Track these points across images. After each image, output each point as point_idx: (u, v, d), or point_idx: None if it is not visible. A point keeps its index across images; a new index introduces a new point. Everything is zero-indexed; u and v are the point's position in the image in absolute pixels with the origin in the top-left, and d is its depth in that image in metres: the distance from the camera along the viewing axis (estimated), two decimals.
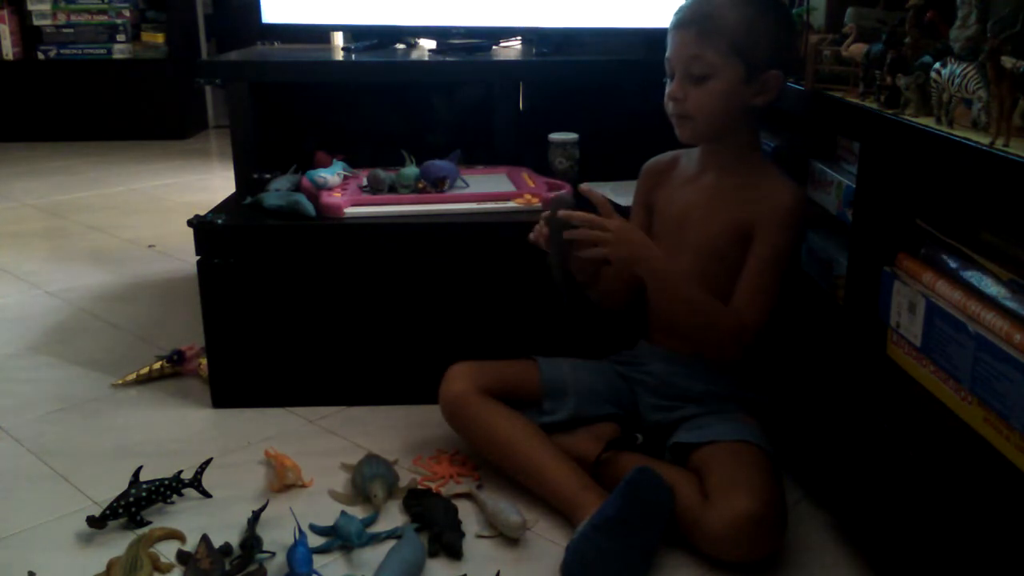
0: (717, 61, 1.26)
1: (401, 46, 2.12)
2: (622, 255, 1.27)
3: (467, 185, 1.70)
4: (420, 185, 1.66)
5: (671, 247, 1.37)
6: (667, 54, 1.32)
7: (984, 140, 0.87)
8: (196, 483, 1.34)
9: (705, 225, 1.35)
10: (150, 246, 2.68)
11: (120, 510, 1.25)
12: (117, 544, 1.22)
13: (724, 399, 1.34)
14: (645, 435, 1.35)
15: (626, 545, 1.13)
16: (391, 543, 1.21)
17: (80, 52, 4.41)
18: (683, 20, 1.29)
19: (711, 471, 1.21)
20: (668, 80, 1.33)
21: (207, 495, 1.34)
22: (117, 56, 4.43)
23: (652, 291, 1.33)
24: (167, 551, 1.21)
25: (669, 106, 1.33)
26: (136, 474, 1.30)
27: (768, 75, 1.27)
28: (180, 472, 1.34)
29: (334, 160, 1.76)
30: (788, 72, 1.32)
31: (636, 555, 1.15)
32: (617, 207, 1.67)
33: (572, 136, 1.84)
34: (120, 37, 4.42)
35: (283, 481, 1.36)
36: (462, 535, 1.23)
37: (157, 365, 1.75)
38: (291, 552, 1.16)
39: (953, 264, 1.03)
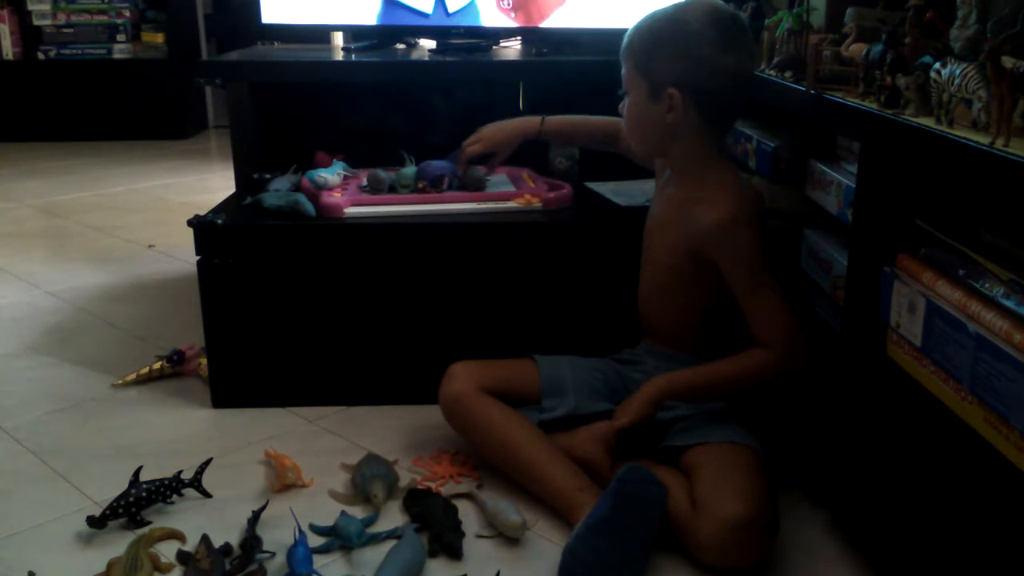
0: (629, 80, 1.36)
1: (401, 46, 2.12)
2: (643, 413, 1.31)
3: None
4: (420, 185, 1.66)
5: (644, 260, 1.45)
6: None
7: (984, 140, 0.87)
8: (196, 483, 1.34)
9: (661, 240, 1.40)
10: (150, 246, 2.68)
11: (120, 510, 1.25)
12: (117, 544, 1.22)
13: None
14: (640, 435, 1.35)
15: (622, 544, 1.13)
16: (391, 543, 1.21)
17: (80, 52, 4.42)
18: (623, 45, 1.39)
19: (700, 475, 1.21)
20: None
21: (207, 495, 1.34)
22: (117, 56, 4.43)
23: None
24: (167, 551, 1.21)
25: None
26: (136, 474, 1.30)
27: (668, 92, 1.30)
28: (180, 472, 1.34)
29: (334, 160, 1.76)
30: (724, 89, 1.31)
31: (633, 553, 1.14)
32: (616, 207, 1.68)
33: None
34: (120, 37, 4.43)
35: (283, 481, 1.36)
36: (462, 535, 1.23)
37: (157, 365, 1.75)
38: (291, 552, 1.16)
39: (953, 264, 1.03)
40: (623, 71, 1.37)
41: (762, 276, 1.28)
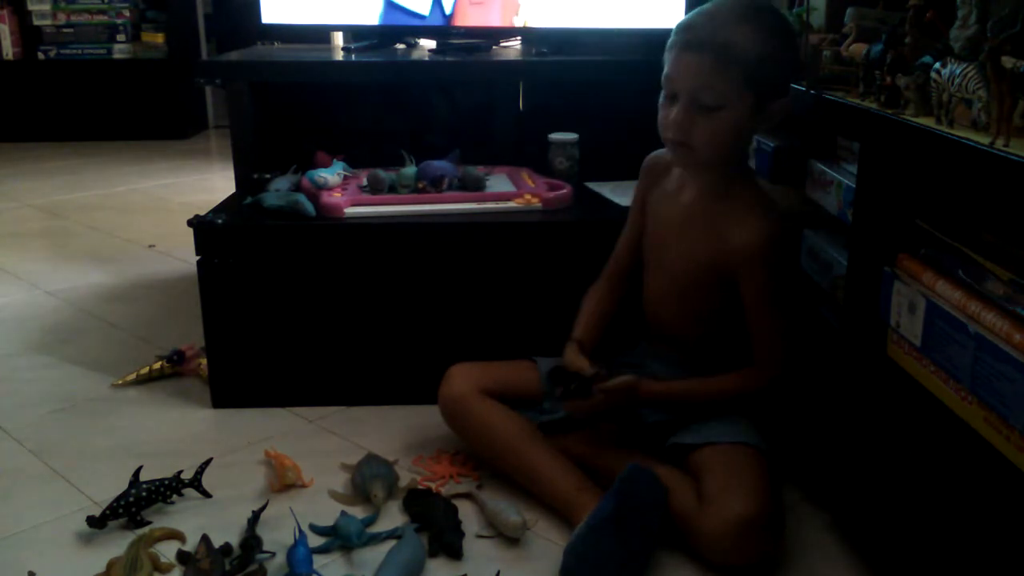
0: (730, 93, 1.19)
1: (401, 46, 2.12)
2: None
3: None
4: (420, 185, 1.66)
5: (654, 266, 1.39)
6: (668, 72, 1.23)
7: (984, 140, 0.87)
8: (196, 483, 1.34)
9: (681, 252, 1.33)
10: (150, 246, 2.68)
11: (120, 510, 1.25)
12: (117, 544, 1.22)
13: None
14: (643, 436, 1.34)
15: (623, 544, 1.13)
16: (391, 543, 1.21)
17: (80, 52, 4.41)
18: (695, 43, 1.19)
19: (707, 474, 1.21)
20: (665, 99, 1.25)
21: (207, 495, 1.34)
22: (117, 56, 4.43)
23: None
24: (167, 551, 1.21)
25: (669, 131, 1.24)
26: (136, 474, 1.30)
27: (777, 104, 1.23)
28: (180, 472, 1.34)
29: (334, 160, 1.76)
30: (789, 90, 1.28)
31: (634, 553, 1.15)
32: (616, 207, 1.68)
33: (572, 136, 1.84)
34: (120, 37, 4.43)
35: (283, 481, 1.36)
36: (462, 535, 1.23)
37: (157, 365, 1.75)
38: (291, 552, 1.16)
39: (953, 264, 1.03)
40: (707, 83, 1.19)
41: (778, 299, 1.27)
